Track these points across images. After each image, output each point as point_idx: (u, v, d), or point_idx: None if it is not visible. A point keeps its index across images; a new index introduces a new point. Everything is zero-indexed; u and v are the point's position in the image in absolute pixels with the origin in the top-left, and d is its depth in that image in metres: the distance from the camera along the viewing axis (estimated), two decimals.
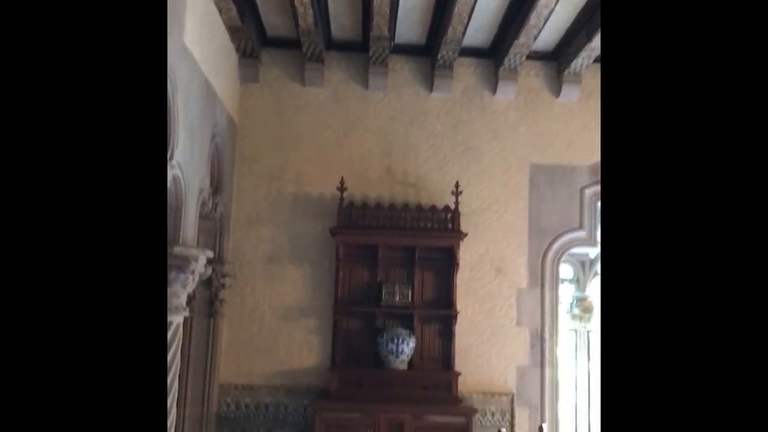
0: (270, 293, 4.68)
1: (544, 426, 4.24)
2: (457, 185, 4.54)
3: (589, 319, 5.08)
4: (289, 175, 4.79)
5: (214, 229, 4.32)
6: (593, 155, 4.81)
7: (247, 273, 4.67)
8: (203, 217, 3.92)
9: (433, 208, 4.56)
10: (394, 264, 4.63)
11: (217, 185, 4.22)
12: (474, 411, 4.20)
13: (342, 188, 4.52)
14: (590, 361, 5.07)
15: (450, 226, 4.52)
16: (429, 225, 4.53)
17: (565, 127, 4.89)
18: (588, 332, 5.11)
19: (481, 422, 4.44)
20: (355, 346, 4.52)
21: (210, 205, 3.99)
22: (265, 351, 4.62)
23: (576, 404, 5.09)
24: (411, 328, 4.48)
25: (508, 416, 4.55)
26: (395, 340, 4.38)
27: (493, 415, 4.54)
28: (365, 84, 4.85)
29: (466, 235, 4.50)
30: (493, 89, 4.89)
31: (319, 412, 4.11)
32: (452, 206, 4.53)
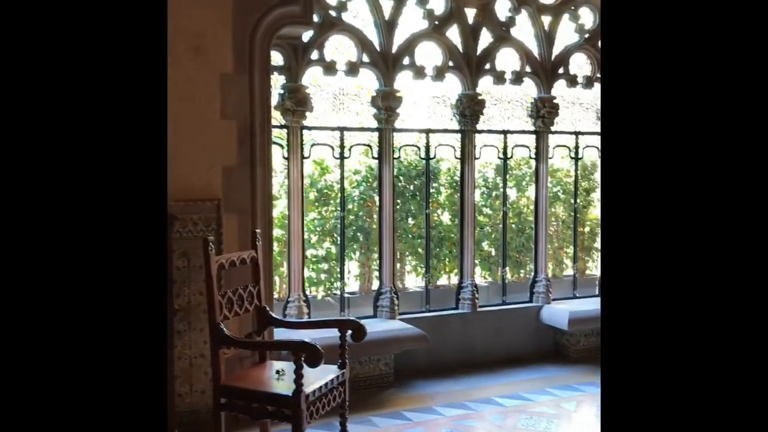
0: None
1: (258, 232, 3.67)
2: None
3: (303, 114, 4.48)
4: None
5: None
6: None
7: None
8: None
9: None
10: None
11: None
12: (173, 220, 3.39)
13: None
14: (304, 161, 4.55)
15: None
16: None
17: None
18: (301, 128, 4.53)
19: (181, 233, 3.67)
20: None
21: None
22: None
23: (289, 206, 4.59)
24: None
25: (214, 224, 3.84)
26: None
27: (195, 224, 3.78)
28: None
29: None
30: None
31: None
32: None
